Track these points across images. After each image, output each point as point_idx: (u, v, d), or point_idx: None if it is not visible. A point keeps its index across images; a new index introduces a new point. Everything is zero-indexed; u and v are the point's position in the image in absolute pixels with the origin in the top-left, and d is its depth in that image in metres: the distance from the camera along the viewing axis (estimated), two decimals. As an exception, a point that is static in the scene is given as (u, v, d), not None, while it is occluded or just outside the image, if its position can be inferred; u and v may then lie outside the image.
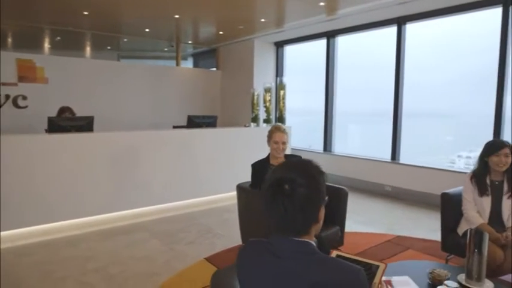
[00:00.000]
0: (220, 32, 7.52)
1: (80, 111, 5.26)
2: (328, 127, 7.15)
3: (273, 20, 6.45)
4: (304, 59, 8.12)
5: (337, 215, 3.07)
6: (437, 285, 2.08)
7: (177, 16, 6.20)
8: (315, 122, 7.45)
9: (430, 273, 2.22)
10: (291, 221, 1.10)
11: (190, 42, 8.86)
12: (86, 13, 6.00)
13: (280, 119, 6.38)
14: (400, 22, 5.84)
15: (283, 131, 3.16)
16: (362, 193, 6.08)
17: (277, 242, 1.16)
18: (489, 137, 4.79)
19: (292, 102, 7.93)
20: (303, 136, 7.75)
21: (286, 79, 7.70)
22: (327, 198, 1.23)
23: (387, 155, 6.09)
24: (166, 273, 3.12)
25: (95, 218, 4.41)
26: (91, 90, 7.17)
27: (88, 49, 9.50)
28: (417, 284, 2.17)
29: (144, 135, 4.88)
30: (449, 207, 2.97)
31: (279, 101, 6.43)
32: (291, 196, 1.08)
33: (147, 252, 3.58)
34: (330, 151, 7.13)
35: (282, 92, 6.38)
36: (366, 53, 6.86)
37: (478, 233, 2.16)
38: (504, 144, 2.68)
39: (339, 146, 7.15)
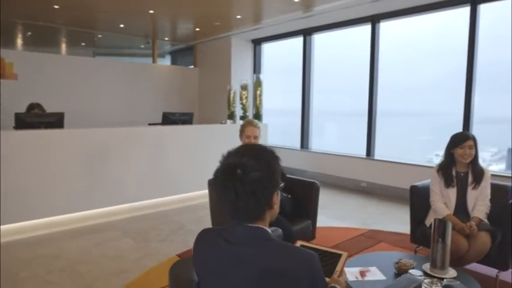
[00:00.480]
0: (197, 29, 7.46)
1: (52, 108, 5.11)
2: (305, 124, 7.20)
3: (249, 16, 6.44)
4: (284, 60, 8.11)
5: (308, 208, 3.08)
6: (402, 274, 2.12)
7: (151, 11, 6.11)
8: (296, 123, 7.47)
9: (397, 263, 2.26)
10: (243, 206, 1.08)
11: (167, 39, 8.75)
12: (56, 7, 5.84)
13: (257, 116, 6.38)
14: (374, 20, 5.92)
15: (256, 125, 3.15)
16: (338, 189, 6.14)
17: (231, 228, 1.15)
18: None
19: (273, 103, 7.98)
20: (284, 136, 7.76)
21: (267, 79, 7.70)
22: (282, 184, 1.22)
23: (364, 153, 6.17)
24: (137, 270, 3.07)
25: (65, 216, 4.29)
26: (64, 87, 7.00)
27: (62, 45, 9.27)
28: (384, 274, 2.20)
29: (116, 132, 4.78)
30: (418, 200, 3.03)
31: (256, 98, 6.42)
32: (243, 180, 1.06)
33: (119, 250, 3.51)
34: (307, 148, 7.18)
35: (258, 89, 6.37)
36: (343, 52, 6.93)
37: (441, 222, 2.20)
38: (468, 137, 2.75)
39: (315, 143, 7.20)
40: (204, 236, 1.21)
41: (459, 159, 2.77)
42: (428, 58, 5.75)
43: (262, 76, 6.55)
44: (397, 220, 4.46)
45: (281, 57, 8.18)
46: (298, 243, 1.84)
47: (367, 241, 3.76)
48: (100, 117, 7.17)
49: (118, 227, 4.15)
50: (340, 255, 1.66)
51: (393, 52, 6.02)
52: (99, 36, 8.41)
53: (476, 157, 2.77)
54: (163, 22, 7.27)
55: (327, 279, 1.48)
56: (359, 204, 5.31)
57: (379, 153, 6.07)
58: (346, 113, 7.10)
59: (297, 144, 7.32)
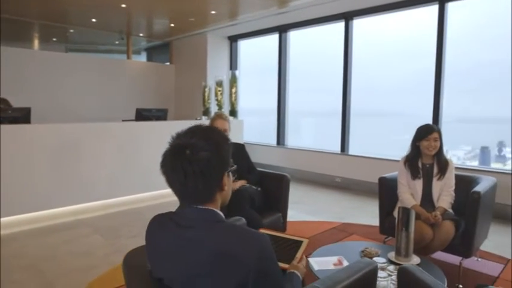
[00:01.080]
0: (172, 25, 7.37)
1: (23, 104, 4.93)
2: (281, 120, 7.22)
3: (224, 12, 6.41)
4: (261, 60, 8.06)
5: (279, 201, 3.08)
6: (366, 262, 2.14)
7: (123, 5, 5.99)
8: (273, 122, 7.48)
9: (362, 251, 2.29)
10: (192, 187, 1.06)
11: (141, 35, 8.61)
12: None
13: (233, 112, 6.36)
14: (347, 17, 5.99)
15: (225, 118, 3.13)
16: (313, 185, 6.19)
17: (181, 211, 1.13)
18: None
19: (251, 102, 7.99)
20: (261, 136, 7.75)
21: (244, 79, 7.73)
22: (234, 167, 1.21)
23: (338, 149, 6.24)
24: (104, 266, 3.00)
25: (31, 215, 4.16)
26: (35, 83, 6.79)
27: (32, 40, 8.96)
28: (349, 262, 2.22)
29: (86, 128, 4.66)
30: (387, 191, 3.08)
31: (231, 94, 6.41)
32: (191, 160, 1.04)
33: (87, 247, 3.42)
34: (283, 145, 7.20)
35: (234, 86, 6.36)
36: (319, 51, 6.96)
37: (405, 211, 2.24)
38: (433, 129, 2.81)
39: (292, 141, 7.23)
40: (155, 221, 1.19)
41: (425, 151, 2.83)
42: (402, 58, 5.84)
43: (237, 72, 6.54)
44: (370, 213, 4.52)
45: (258, 57, 8.16)
46: (261, 231, 1.84)
47: (339, 234, 3.80)
48: (73, 113, 7.00)
49: (88, 225, 4.05)
50: (301, 242, 1.66)
51: (368, 51, 6.09)
52: (71, 31, 8.18)
53: (441, 149, 2.83)
54: (137, 17, 7.15)
55: (286, 265, 1.48)
56: (333, 199, 5.37)
57: (355, 151, 6.13)
58: (322, 112, 7.15)
59: (273, 141, 7.33)
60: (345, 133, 6.13)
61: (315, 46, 7.03)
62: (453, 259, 2.87)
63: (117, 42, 9.31)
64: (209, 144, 1.07)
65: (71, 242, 3.54)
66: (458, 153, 5.44)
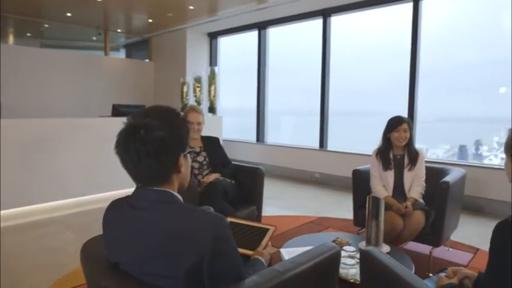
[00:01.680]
0: (150, 20, 7.27)
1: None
2: (261, 117, 7.22)
3: (203, 7, 6.36)
4: (242, 60, 8.03)
5: (253, 194, 3.07)
6: (336, 251, 2.16)
7: (99, 0, 5.88)
8: (254, 122, 7.47)
9: (334, 241, 2.30)
10: (146, 167, 1.04)
11: (119, 30, 8.47)
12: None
13: (211, 109, 6.32)
14: (325, 14, 6.03)
15: (198, 111, 3.10)
16: (292, 181, 6.21)
17: (136, 193, 1.11)
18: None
19: (231, 102, 7.96)
20: (241, 135, 7.74)
21: (225, 78, 7.69)
22: (192, 149, 1.20)
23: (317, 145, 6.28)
24: (75, 263, 2.92)
25: (3, 213, 4.02)
26: (8, 78, 6.57)
27: (7, 35, 8.69)
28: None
29: (60, 123, 4.55)
30: (360, 184, 3.11)
31: (210, 91, 6.36)
32: (145, 140, 1.02)
33: (59, 244, 3.34)
34: (263, 141, 7.21)
35: (213, 82, 6.32)
36: (299, 49, 6.98)
37: (375, 201, 2.27)
38: (403, 120, 2.85)
39: (271, 137, 7.24)
40: (112, 205, 1.17)
41: (395, 142, 2.87)
42: (380, 58, 5.88)
43: (216, 69, 6.50)
44: (347, 207, 4.54)
45: (238, 56, 8.12)
46: (227, 219, 1.82)
47: (315, 227, 3.82)
48: (49, 110, 6.83)
49: (60, 222, 3.95)
50: (267, 230, 1.66)
51: (347, 51, 6.11)
52: (46, 26, 7.98)
53: (411, 140, 2.88)
54: (115, 12, 7.02)
55: (250, 252, 1.48)
56: (311, 194, 5.40)
57: (334, 147, 6.17)
58: (302, 111, 7.16)
59: (252, 138, 7.32)
60: (324, 129, 6.17)
61: (295, 44, 7.05)
62: (424, 249, 2.93)
63: (94, 38, 9.13)
64: (163, 124, 1.06)
65: (42, 240, 3.45)
66: (438, 151, 5.56)
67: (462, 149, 5.32)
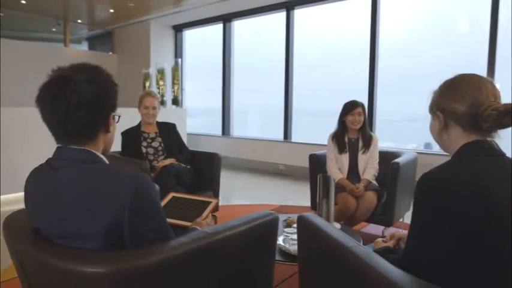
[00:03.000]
0: (111, 10, 7.06)
1: None
2: (226, 110, 7.17)
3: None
4: (210, 61, 7.87)
5: (210, 180, 3.04)
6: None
7: (55, -14, 5.64)
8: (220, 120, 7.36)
9: (285, 220, 2.31)
10: (75, 120, 0.98)
11: (80, 21, 8.17)
12: None
13: (175, 101, 6.22)
14: (289, 7, 6.06)
15: (154, 96, 3.05)
16: (257, 173, 6.20)
17: (56, 153, 1.05)
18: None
19: (201, 102, 7.85)
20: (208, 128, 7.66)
21: (193, 78, 7.59)
22: (120, 116, 1.15)
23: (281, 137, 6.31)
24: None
25: None
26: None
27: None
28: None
29: (8, 113, 4.32)
30: (317, 167, 3.13)
31: (174, 83, 6.26)
32: (78, 91, 0.97)
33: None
34: (228, 135, 7.17)
35: (176, 74, 6.21)
36: (265, 44, 6.97)
37: (325, 179, 2.28)
38: (357, 104, 2.90)
39: (237, 131, 7.21)
40: (33, 170, 1.10)
41: (350, 126, 2.92)
42: (344, 56, 5.94)
43: (180, 60, 6.40)
44: (310, 196, 4.60)
45: (205, 58, 7.96)
46: (171, 194, 1.79)
47: (276, 215, 3.82)
48: (4, 101, 6.48)
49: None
50: (209, 203, 1.64)
51: (312, 49, 6.13)
52: (1, 15, 7.57)
53: (365, 123, 2.93)
54: (74, 1, 6.76)
55: (188, 223, 1.45)
56: (275, 185, 5.42)
57: (298, 139, 6.21)
58: (268, 107, 7.17)
59: (218, 131, 7.27)
60: (288, 119, 6.19)
61: (260, 40, 7.04)
62: (377, 230, 2.99)
63: (54, 30, 8.77)
64: (96, 78, 1.03)
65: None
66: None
67: (427, 146, 5.50)
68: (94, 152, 1.04)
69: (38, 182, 1.06)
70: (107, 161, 1.08)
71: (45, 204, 1.02)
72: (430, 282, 0.89)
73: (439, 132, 1.12)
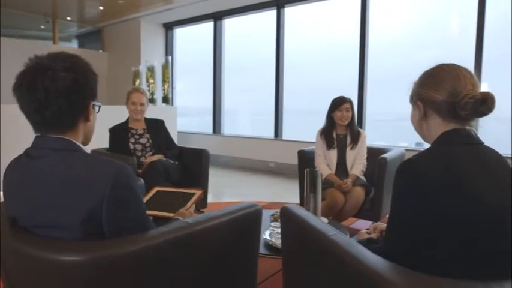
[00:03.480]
0: (101, 8, 7.00)
1: None
2: (217, 109, 7.15)
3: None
4: (201, 61, 7.82)
5: (199, 176, 3.03)
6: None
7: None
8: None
9: (272, 215, 2.31)
10: (54, 109, 0.97)
11: (69, 18, 8.08)
12: None
13: (165, 99, 6.19)
14: (279, 4, 6.06)
15: (142, 92, 3.03)
16: (248, 171, 6.20)
17: (35, 142, 1.04)
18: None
19: (194, 102, 7.79)
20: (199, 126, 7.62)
21: (185, 79, 7.55)
22: (100, 106, 1.14)
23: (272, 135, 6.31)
24: None
25: None
26: None
27: None
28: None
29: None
30: (305, 163, 3.13)
31: (165, 81, 6.23)
32: (56, 79, 0.96)
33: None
34: (219, 133, 7.15)
35: (167, 71, 6.19)
36: (256, 43, 6.97)
37: (312, 173, 2.29)
38: (345, 100, 2.91)
39: (228, 129, 7.19)
40: (12, 160, 1.09)
41: (338, 121, 2.93)
42: (335, 57, 5.96)
43: (170, 58, 6.37)
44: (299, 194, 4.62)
45: (197, 58, 7.94)
46: (156, 188, 1.78)
47: (264, 211, 3.82)
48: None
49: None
50: (193, 194, 1.64)
51: (302, 48, 6.13)
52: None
53: (353, 119, 2.95)
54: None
55: (170, 214, 1.44)
56: (265, 182, 5.42)
57: (288, 136, 6.22)
58: (258, 106, 7.17)
59: (209, 130, 7.25)
60: (278, 117, 6.20)
61: (251, 39, 7.03)
62: (365, 225, 3.00)
63: (43, 27, 8.65)
64: (75, 66, 1.01)
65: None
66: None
67: (418, 145, 5.56)
68: (73, 141, 1.03)
69: (15, 172, 1.04)
70: (86, 151, 1.07)
71: (21, 193, 1.01)
72: (409, 268, 0.90)
73: (419, 121, 1.13)
